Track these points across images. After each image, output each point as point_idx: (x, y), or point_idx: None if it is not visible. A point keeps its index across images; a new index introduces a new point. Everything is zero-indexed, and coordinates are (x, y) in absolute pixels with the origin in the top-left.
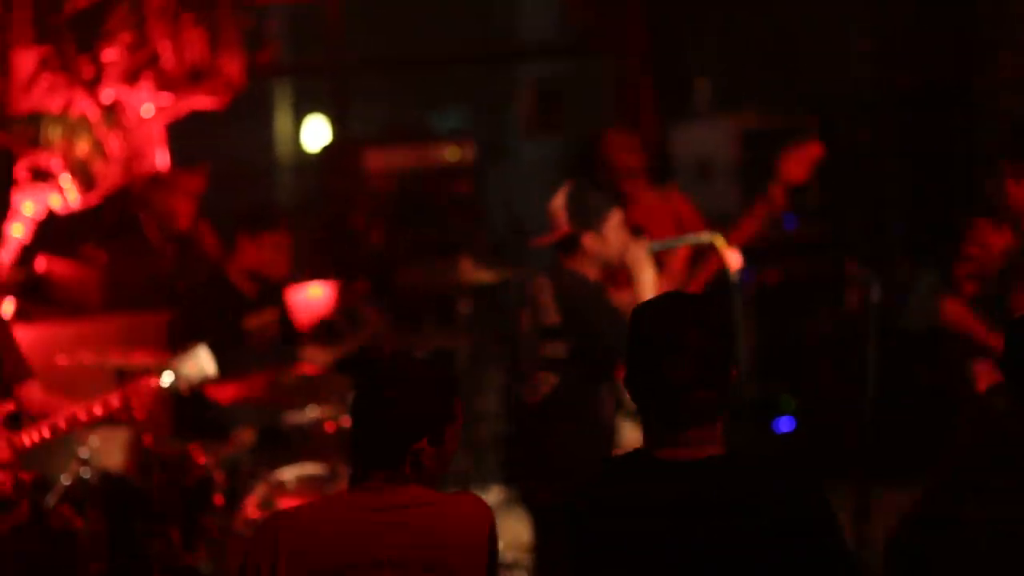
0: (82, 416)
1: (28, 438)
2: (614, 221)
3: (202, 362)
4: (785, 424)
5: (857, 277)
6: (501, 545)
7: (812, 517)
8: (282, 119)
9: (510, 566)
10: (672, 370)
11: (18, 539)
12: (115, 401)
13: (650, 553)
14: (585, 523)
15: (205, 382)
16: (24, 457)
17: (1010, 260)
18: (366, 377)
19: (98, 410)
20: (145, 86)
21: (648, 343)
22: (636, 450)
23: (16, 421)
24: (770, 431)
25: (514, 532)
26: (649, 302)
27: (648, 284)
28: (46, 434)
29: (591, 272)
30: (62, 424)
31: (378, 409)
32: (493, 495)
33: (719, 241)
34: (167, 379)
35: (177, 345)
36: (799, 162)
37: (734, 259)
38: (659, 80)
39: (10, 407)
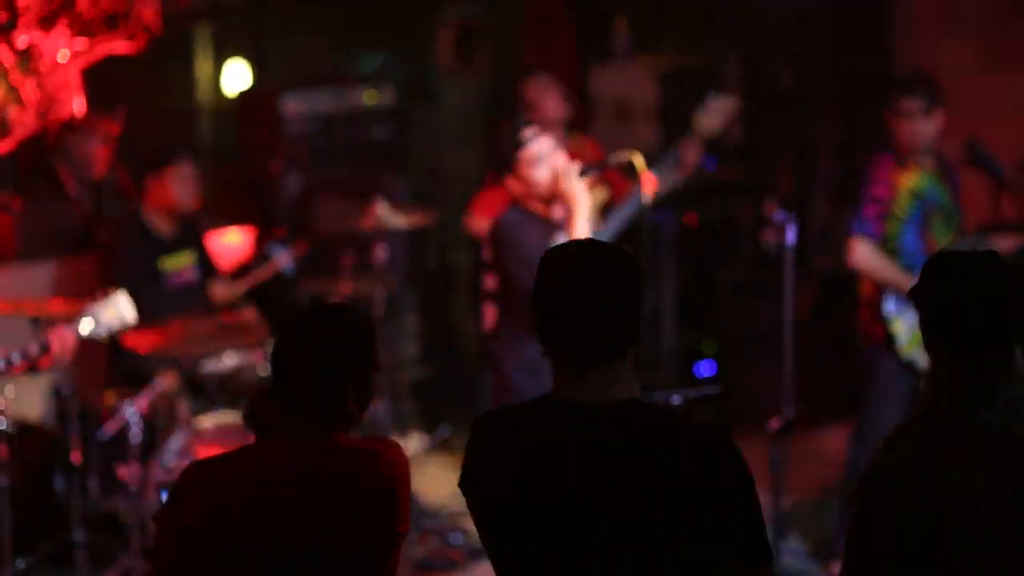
0: (1, 364)
1: None
2: (530, 155)
3: (121, 309)
4: (706, 368)
5: (776, 219)
6: (422, 489)
7: (721, 469)
8: (202, 63)
9: (435, 512)
10: (570, 312)
11: None
12: (34, 349)
13: (551, 499)
14: (482, 470)
15: (124, 329)
16: None
17: (917, 197)
18: (289, 322)
19: (17, 357)
20: (61, 31)
21: (549, 289)
22: (542, 396)
23: None
24: (691, 374)
25: (436, 478)
26: (556, 247)
27: (582, 217)
28: None
29: (538, 207)
30: None
31: (304, 355)
32: (414, 441)
33: (638, 161)
34: (86, 326)
35: (95, 292)
36: (715, 115)
37: (649, 182)
38: (578, 20)
39: None
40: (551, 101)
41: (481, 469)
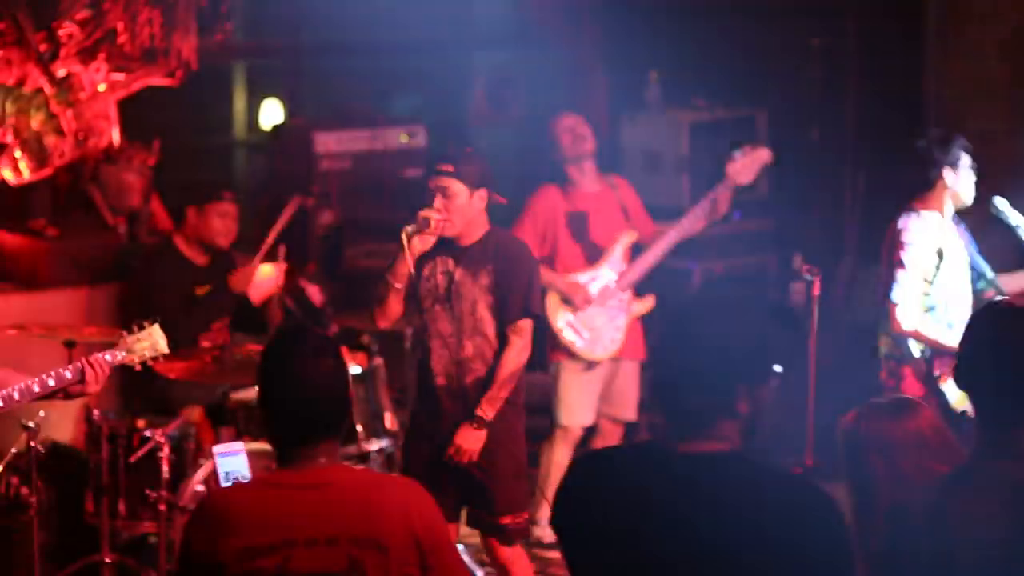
0: (36, 388)
1: None
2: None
3: (155, 338)
4: None
5: (802, 271)
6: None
7: (811, 532)
8: (238, 99)
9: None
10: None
11: None
12: (68, 374)
13: (640, 545)
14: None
15: (158, 358)
16: None
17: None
18: (289, 353)
19: (52, 381)
20: (100, 63)
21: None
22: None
23: None
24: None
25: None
26: None
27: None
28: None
29: None
30: (16, 396)
31: (309, 385)
32: None
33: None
34: (120, 354)
35: (130, 320)
36: (747, 166)
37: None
38: (611, 70)
39: None
40: (568, 140)
41: (578, 509)
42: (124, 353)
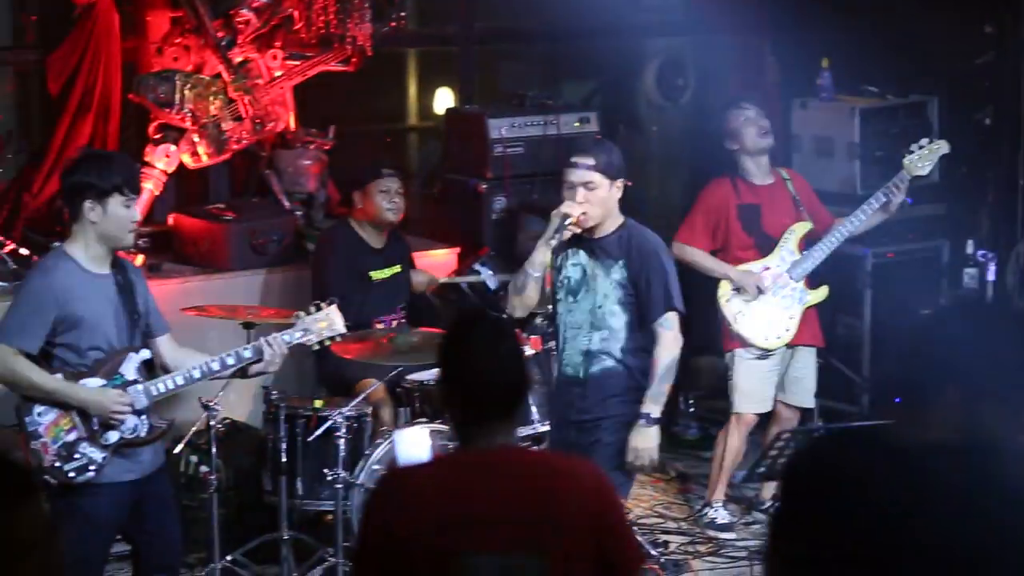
0: (216, 367)
1: (163, 386)
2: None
3: (333, 319)
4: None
5: (975, 256)
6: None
7: None
8: (411, 85)
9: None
10: None
11: (153, 482)
12: (248, 353)
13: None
14: None
15: (335, 338)
16: (158, 405)
17: None
18: (473, 333)
19: (231, 361)
20: (276, 50)
21: None
22: None
23: (151, 370)
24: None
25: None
26: None
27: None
28: (180, 383)
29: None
30: (196, 374)
31: (488, 367)
32: None
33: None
34: (299, 335)
35: (307, 302)
36: (924, 158)
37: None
38: (782, 57)
39: (146, 356)
40: (751, 132)
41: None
42: (302, 333)
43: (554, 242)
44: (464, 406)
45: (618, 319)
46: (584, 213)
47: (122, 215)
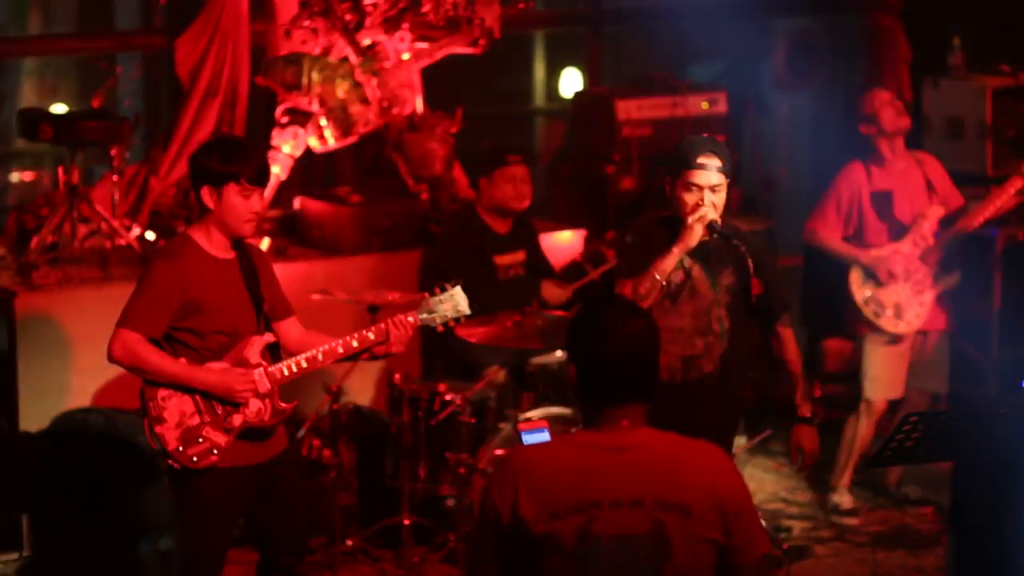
0: (340, 349)
1: (287, 369)
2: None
3: (458, 301)
4: None
5: None
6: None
7: None
8: (539, 67)
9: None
10: None
11: (276, 466)
12: (372, 335)
13: None
14: None
15: (460, 320)
16: (282, 388)
17: None
18: (604, 316)
19: (356, 343)
20: (404, 32)
21: None
22: None
23: (276, 354)
24: (1018, 388)
25: (756, 479)
26: None
27: (672, 256)
28: (305, 366)
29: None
30: (320, 357)
31: (619, 345)
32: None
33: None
34: (423, 315)
35: (432, 284)
36: None
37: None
38: (913, 36)
39: (270, 340)
40: (889, 114)
41: None
42: (426, 314)
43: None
44: (592, 386)
45: (724, 324)
46: (716, 216)
47: (237, 204)
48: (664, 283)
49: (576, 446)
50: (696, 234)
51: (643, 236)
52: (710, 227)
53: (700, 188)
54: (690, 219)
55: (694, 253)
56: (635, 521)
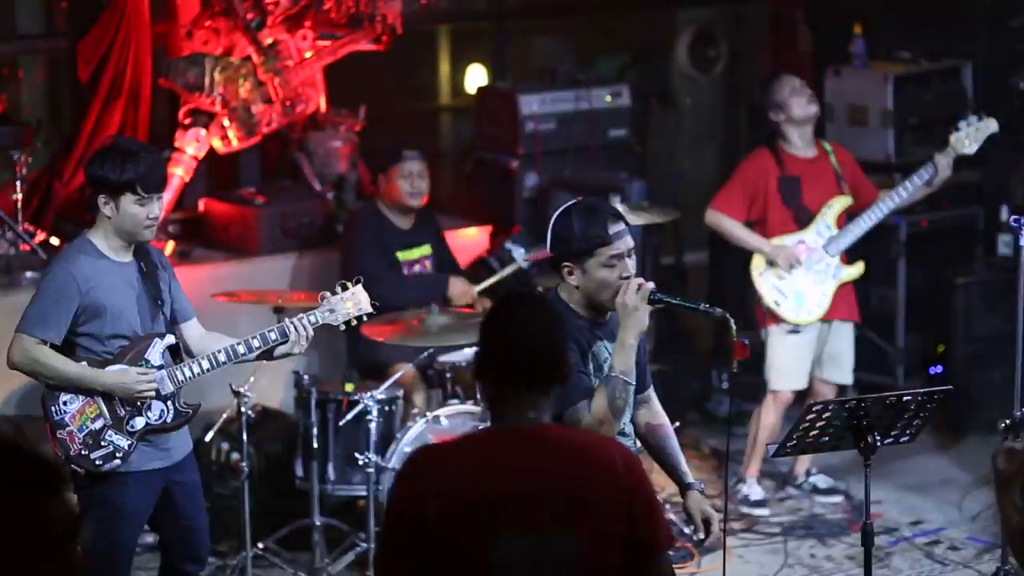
0: (242, 350)
1: (189, 370)
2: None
3: (359, 299)
4: (936, 370)
5: (1011, 223)
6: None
7: None
8: (443, 63)
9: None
10: None
11: (181, 472)
12: (272, 335)
13: None
14: None
15: (361, 319)
16: (185, 390)
17: None
18: (511, 309)
19: (257, 343)
20: (306, 30)
21: None
22: None
23: (177, 355)
24: (924, 375)
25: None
26: None
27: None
28: (206, 367)
29: None
30: (222, 358)
31: (528, 341)
32: None
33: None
34: (324, 315)
35: (335, 283)
36: (971, 136)
37: (740, 349)
38: (814, 25)
39: (171, 342)
40: (800, 101)
41: None
42: (328, 313)
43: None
44: (495, 380)
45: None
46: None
47: (134, 212)
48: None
49: (482, 441)
50: (644, 312)
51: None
52: (652, 298)
53: (621, 257)
54: (627, 298)
55: (608, 331)
56: (542, 515)
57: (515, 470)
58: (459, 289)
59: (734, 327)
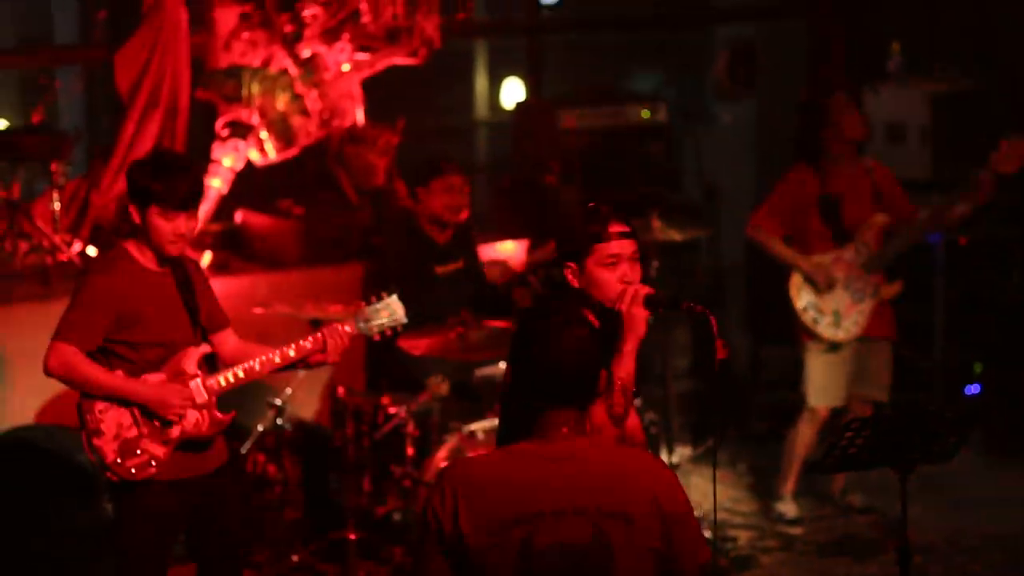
0: (277, 359)
1: (224, 380)
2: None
3: (394, 310)
4: (973, 389)
5: None
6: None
7: None
8: (480, 77)
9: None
10: None
11: (217, 479)
12: (309, 344)
13: None
14: None
15: (396, 329)
16: (221, 400)
17: None
18: (544, 320)
19: (292, 352)
20: (344, 43)
21: None
22: None
23: (212, 364)
24: (960, 393)
25: (700, 489)
26: None
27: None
28: (242, 376)
29: None
30: (257, 367)
31: (570, 357)
32: (676, 455)
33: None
34: (359, 324)
35: (370, 293)
36: (1012, 155)
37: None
38: (852, 42)
39: (206, 351)
40: (852, 121)
41: None
42: (363, 323)
43: None
44: (533, 392)
45: None
46: None
47: (160, 226)
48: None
49: (516, 456)
50: (641, 318)
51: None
52: (649, 302)
53: (621, 259)
54: (623, 304)
55: None
56: (578, 531)
57: (550, 487)
58: (495, 269)
59: (715, 325)
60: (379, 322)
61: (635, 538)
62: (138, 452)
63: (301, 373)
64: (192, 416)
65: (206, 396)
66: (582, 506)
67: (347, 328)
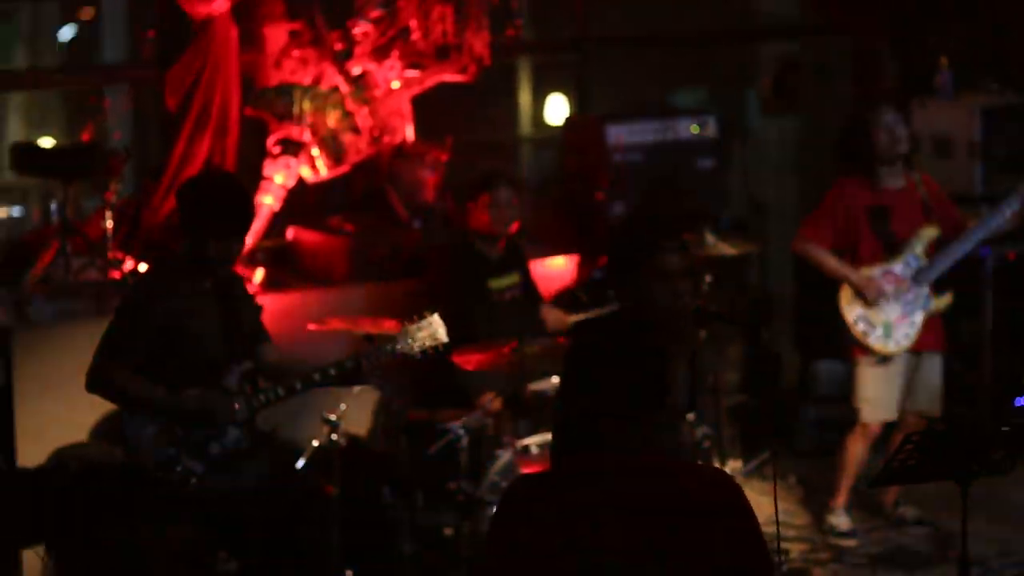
0: (317, 377)
1: (265, 396)
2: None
3: (435, 328)
4: (1021, 402)
5: None
6: None
7: None
8: (524, 94)
9: None
10: None
11: (259, 502)
12: (350, 362)
13: None
14: None
15: (437, 348)
16: (270, 416)
17: None
18: (601, 334)
19: (333, 371)
20: (394, 60)
21: None
22: None
23: (254, 380)
24: (1010, 407)
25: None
26: None
27: None
28: (282, 393)
29: None
30: (298, 385)
31: (619, 364)
32: (731, 467)
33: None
34: (401, 344)
35: (415, 312)
36: None
37: None
38: (900, 57)
39: (248, 367)
40: (902, 134)
41: None
42: (403, 343)
43: None
44: (591, 405)
45: None
46: None
47: (210, 249)
48: None
49: (576, 471)
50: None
51: None
52: (698, 315)
53: (673, 273)
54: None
55: None
56: (638, 545)
57: (611, 500)
58: (554, 316)
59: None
60: (421, 342)
61: (701, 555)
62: (178, 468)
63: (356, 389)
64: (232, 433)
65: (247, 413)
66: (646, 523)
67: (387, 348)
